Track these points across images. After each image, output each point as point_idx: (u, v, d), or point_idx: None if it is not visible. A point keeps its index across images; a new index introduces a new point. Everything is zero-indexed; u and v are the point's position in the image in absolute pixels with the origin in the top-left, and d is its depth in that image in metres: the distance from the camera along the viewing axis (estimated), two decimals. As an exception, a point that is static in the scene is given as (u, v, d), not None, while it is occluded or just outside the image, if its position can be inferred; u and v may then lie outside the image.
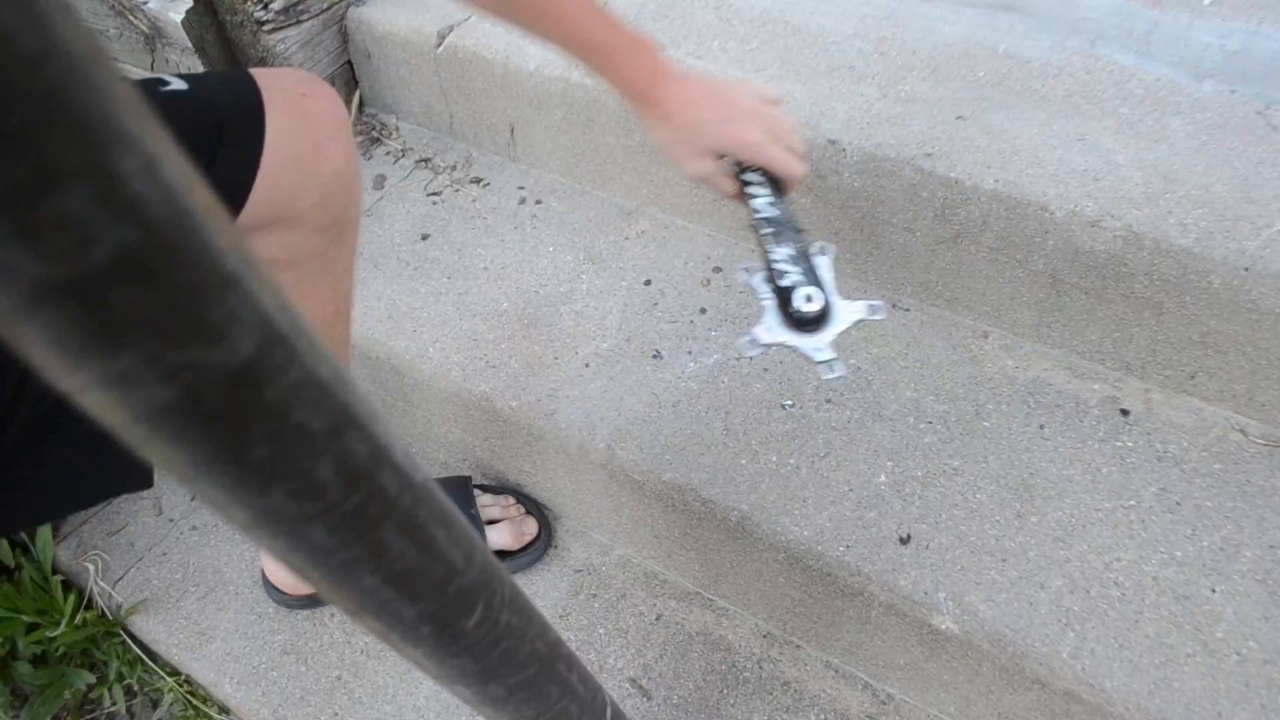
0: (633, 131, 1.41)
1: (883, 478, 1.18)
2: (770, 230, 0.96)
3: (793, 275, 0.92)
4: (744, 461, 1.20)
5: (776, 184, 0.99)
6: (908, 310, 1.34)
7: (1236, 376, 1.16)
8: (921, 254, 1.29)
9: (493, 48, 1.47)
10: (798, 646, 1.28)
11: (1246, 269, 1.08)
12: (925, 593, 1.09)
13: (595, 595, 1.34)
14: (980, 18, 1.42)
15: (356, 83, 1.68)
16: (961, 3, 1.45)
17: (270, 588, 1.33)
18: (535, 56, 1.44)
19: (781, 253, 0.94)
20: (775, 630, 1.29)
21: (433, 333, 1.38)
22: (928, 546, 1.12)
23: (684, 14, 1.49)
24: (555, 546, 1.39)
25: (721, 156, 0.99)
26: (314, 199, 0.94)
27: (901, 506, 1.15)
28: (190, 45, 1.55)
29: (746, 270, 1.01)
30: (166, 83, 0.84)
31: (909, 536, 1.13)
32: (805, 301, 0.91)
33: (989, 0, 1.45)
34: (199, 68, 1.58)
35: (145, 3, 1.55)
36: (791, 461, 1.20)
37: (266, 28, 1.50)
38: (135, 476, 0.89)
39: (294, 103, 0.91)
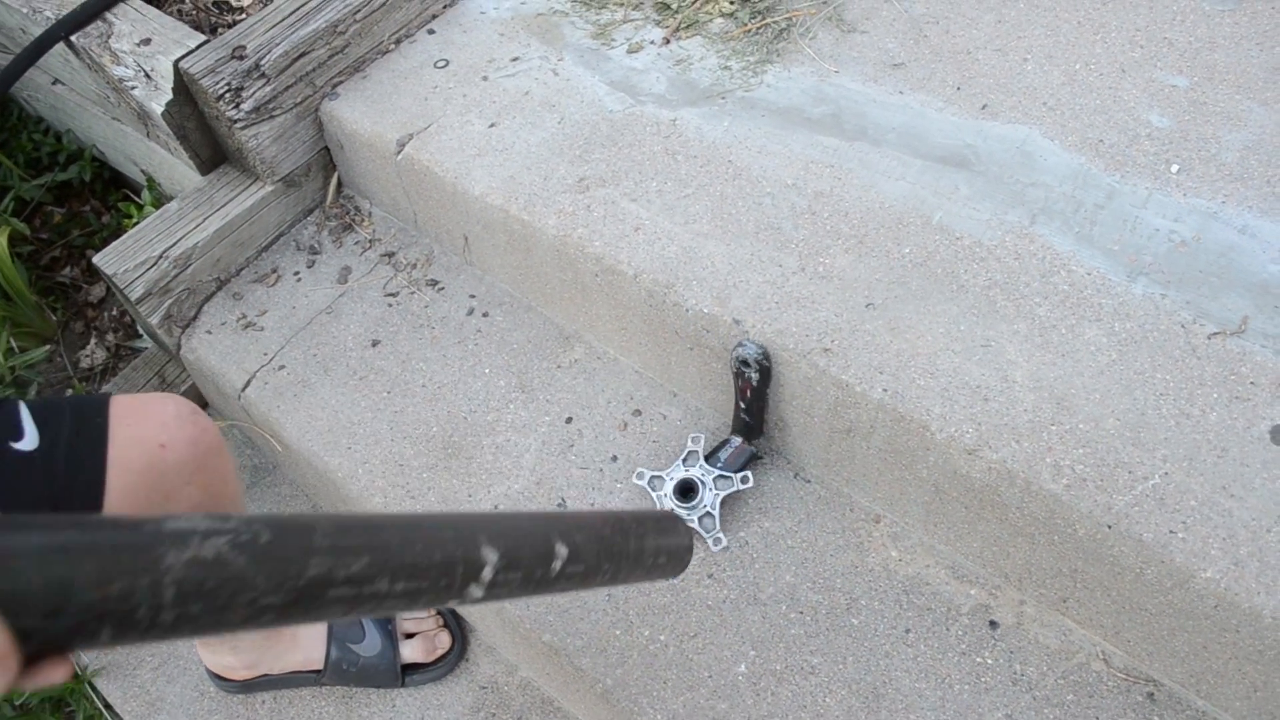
0: (567, 268, 1.43)
1: (743, 668, 1.22)
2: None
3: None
4: (618, 632, 1.26)
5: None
6: (809, 482, 1.35)
7: (1104, 610, 1.16)
8: (820, 437, 1.30)
9: (444, 165, 1.50)
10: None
11: (1110, 526, 1.06)
12: (757, 799, 1.14)
13: (494, 715, 1.43)
14: (926, 175, 1.38)
15: (334, 167, 1.72)
16: (913, 153, 1.40)
17: (210, 675, 1.46)
18: (480, 182, 1.47)
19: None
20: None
21: (365, 452, 1.45)
22: (769, 750, 1.16)
23: (634, 141, 1.48)
24: (466, 660, 1.48)
25: None
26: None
27: (754, 701, 1.20)
28: (172, 133, 1.62)
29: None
30: (19, 434, 0.85)
31: (754, 736, 1.18)
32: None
33: (941, 153, 1.40)
34: (183, 153, 1.66)
35: (133, 88, 1.62)
36: (662, 638, 1.25)
37: (239, 124, 1.56)
38: None
39: (148, 458, 0.90)
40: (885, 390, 1.18)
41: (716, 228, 1.37)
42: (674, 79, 1.57)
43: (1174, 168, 1.35)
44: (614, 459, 1.40)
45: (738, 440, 1.35)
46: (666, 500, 1.31)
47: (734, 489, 1.31)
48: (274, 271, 1.68)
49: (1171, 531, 1.04)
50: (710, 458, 1.34)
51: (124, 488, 0.87)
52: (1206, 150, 1.36)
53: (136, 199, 2.11)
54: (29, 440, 0.84)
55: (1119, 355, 1.18)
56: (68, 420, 0.87)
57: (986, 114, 1.45)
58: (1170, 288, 1.23)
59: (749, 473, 1.33)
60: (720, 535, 1.30)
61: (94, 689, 1.57)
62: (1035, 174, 1.36)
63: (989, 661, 1.19)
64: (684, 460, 1.34)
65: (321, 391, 1.53)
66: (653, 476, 1.33)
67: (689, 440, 1.36)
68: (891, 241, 1.32)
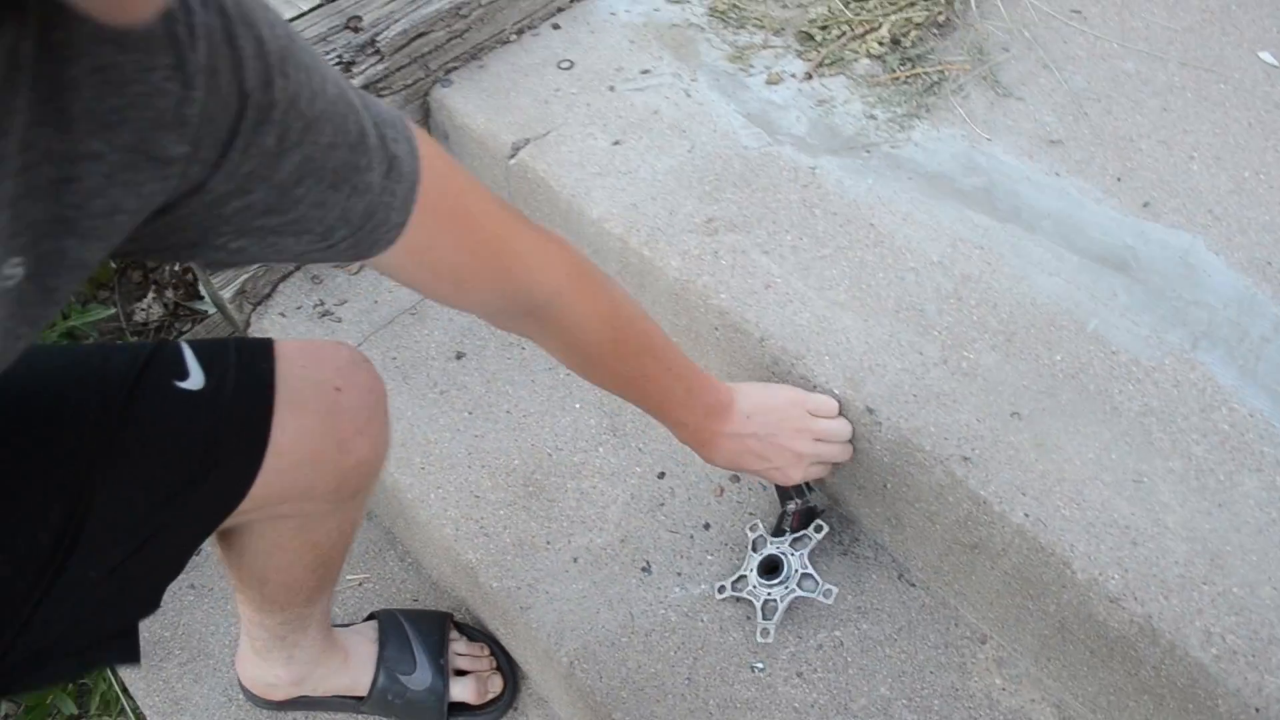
0: (682, 314, 1.33)
1: (827, 784, 1.14)
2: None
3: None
4: (696, 722, 1.18)
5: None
6: (913, 586, 1.27)
7: (1226, 786, 1.08)
8: (938, 544, 1.21)
9: (561, 180, 1.40)
10: None
11: (1258, 710, 0.98)
12: None
13: (538, 773, 1.36)
14: (1083, 273, 1.28)
15: (434, 155, 1.62)
16: (1069, 246, 1.31)
17: (243, 689, 1.37)
18: (599, 205, 1.37)
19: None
20: None
21: (438, 475, 1.36)
22: None
23: (769, 185, 1.38)
24: (515, 709, 1.40)
25: None
26: (329, 486, 0.94)
27: (836, 823, 1.12)
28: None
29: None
30: (185, 373, 0.84)
31: None
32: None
33: (1100, 250, 1.30)
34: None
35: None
36: (742, 736, 1.17)
37: (345, 101, 1.44)
38: (123, 652, 0.91)
39: (322, 400, 0.90)
40: (1027, 515, 1.09)
41: (854, 299, 1.27)
42: (815, 121, 1.46)
43: (1347, 305, 1.26)
44: (706, 526, 1.31)
45: (791, 505, 1.24)
46: (756, 597, 1.22)
47: (813, 542, 1.23)
48: (356, 257, 1.58)
49: (1328, 729, 0.96)
50: (776, 533, 1.26)
51: (299, 430, 0.86)
52: (1382, 293, 1.27)
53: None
54: (194, 380, 0.83)
55: (1279, 515, 1.09)
56: (233, 361, 0.87)
57: (1148, 214, 1.35)
58: (1339, 446, 1.14)
59: (820, 521, 1.24)
60: (822, 582, 1.22)
61: (114, 672, 1.49)
62: (1198, 291, 1.27)
63: (1091, 817, 1.12)
64: (753, 547, 1.26)
65: (397, 400, 1.43)
66: (735, 580, 1.25)
67: (746, 530, 1.27)
68: (1042, 344, 1.23)
